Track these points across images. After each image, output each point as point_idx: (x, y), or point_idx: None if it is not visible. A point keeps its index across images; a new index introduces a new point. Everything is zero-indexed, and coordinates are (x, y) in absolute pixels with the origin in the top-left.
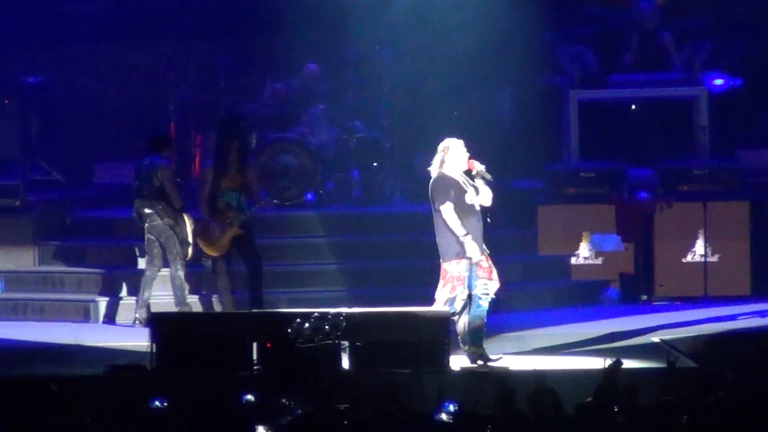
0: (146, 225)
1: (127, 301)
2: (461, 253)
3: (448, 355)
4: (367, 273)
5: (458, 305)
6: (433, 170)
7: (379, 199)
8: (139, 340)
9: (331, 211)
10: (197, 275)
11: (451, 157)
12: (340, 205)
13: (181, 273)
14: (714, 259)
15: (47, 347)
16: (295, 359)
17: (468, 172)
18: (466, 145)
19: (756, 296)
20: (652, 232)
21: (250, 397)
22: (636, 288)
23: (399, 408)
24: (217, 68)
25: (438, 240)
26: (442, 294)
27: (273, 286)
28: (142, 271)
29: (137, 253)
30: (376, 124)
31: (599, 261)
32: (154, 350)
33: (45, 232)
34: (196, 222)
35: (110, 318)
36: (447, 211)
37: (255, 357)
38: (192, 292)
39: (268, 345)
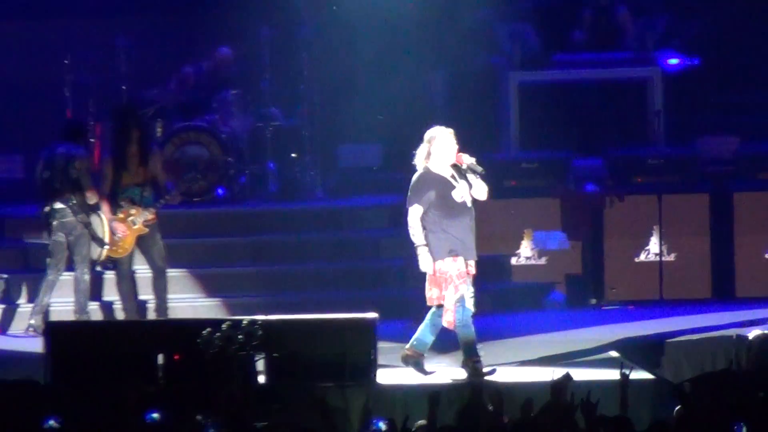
0: (55, 223)
1: (21, 309)
2: (456, 251)
3: (375, 366)
4: (284, 276)
5: (470, 304)
6: (419, 164)
7: (298, 193)
8: (31, 350)
9: (245, 207)
10: (96, 279)
11: (438, 149)
12: (255, 200)
13: (87, 277)
14: (670, 258)
15: None
16: (206, 372)
17: (457, 166)
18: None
19: (716, 299)
20: (601, 228)
21: (155, 415)
22: (584, 291)
23: (322, 426)
24: (117, 49)
25: (427, 239)
26: (448, 297)
27: (180, 292)
28: (35, 275)
29: (32, 255)
30: (295, 111)
31: (543, 261)
32: (49, 363)
33: None
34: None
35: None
36: (412, 214)
37: (161, 370)
38: (91, 298)
39: (176, 357)
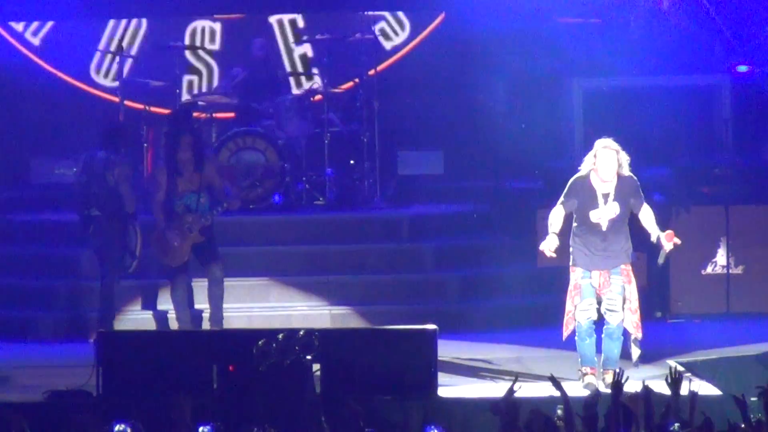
0: (91, 229)
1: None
2: (576, 262)
3: (436, 380)
4: (342, 286)
5: (581, 317)
6: (584, 167)
7: (356, 201)
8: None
9: (302, 214)
10: (151, 287)
11: (598, 162)
12: (312, 208)
13: (114, 287)
14: (737, 270)
15: None
16: (261, 383)
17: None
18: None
19: None
20: None
21: (205, 428)
22: (650, 303)
23: None
24: (172, 48)
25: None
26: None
27: (235, 301)
28: (84, 282)
29: (81, 261)
30: (354, 117)
31: None
32: (100, 373)
33: None
34: (152, 229)
35: (53, 335)
36: (553, 210)
37: (216, 381)
38: (145, 306)
39: (231, 367)
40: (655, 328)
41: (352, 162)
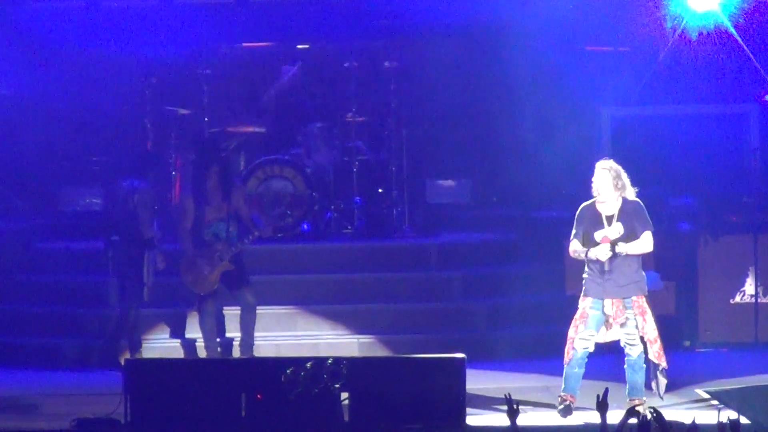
0: (111, 255)
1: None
2: (587, 291)
3: (465, 409)
4: (370, 314)
5: (580, 345)
6: (630, 194)
7: (385, 229)
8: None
9: (330, 243)
10: (179, 315)
11: (595, 185)
12: (340, 236)
13: (134, 313)
14: (766, 299)
15: (6, 397)
16: (290, 412)
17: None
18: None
19: None
20: (695, 268)
21: None
22: (677, 332)
23: None
24: (200, 78)
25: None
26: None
27: (263, 330)
28: (111, 310)
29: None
30: (382, 145)
31: None
32: (128, 401)
33: (2, 265)
34: (181, 257)
35: (81, 363)
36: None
37: (244, 409)
38: (173, 334)
39: (259, 396)
40: (684, 357)
41: (380, 190)
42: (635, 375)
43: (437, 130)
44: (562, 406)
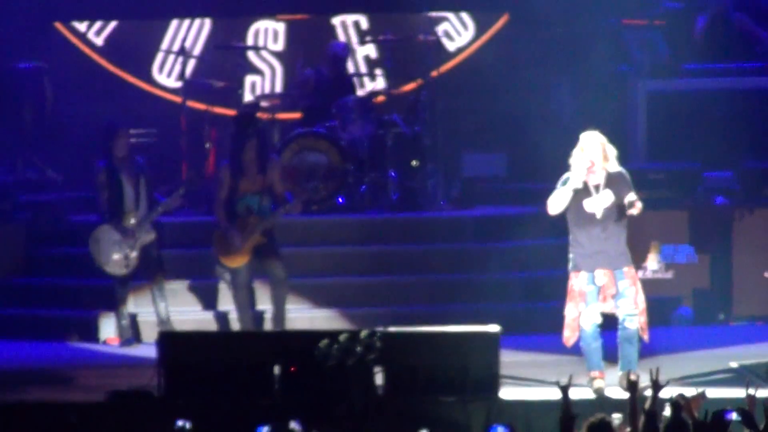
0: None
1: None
2: (578, 266)
3: (498, 381)
4: (404, 287)
5: (585, 322)
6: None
7: (420, 203)
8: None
9: (365, 216)
10: (212, 288)
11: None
12: (375, 209)
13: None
14: None
15: (41, 369)
16: (323, 385)
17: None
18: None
19: None
20: (730, 242)
21: (265, 428)
22: (712, 305)
23: None
24: (235, 49)
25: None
26: (567, 313)
27: (297, 302)
28: (143, 283)
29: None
30: (417, 118)
31: (670, 275)
32: (161, 374)
33: (38, 238)
34: (214, 230)
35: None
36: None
37: (277, 382)
38: (206, 307)
39: (292, 369)
40: (718, 330)
41: (415, 163)
42: (632, 348)
43: (472, 103)
44: (596, 386)
